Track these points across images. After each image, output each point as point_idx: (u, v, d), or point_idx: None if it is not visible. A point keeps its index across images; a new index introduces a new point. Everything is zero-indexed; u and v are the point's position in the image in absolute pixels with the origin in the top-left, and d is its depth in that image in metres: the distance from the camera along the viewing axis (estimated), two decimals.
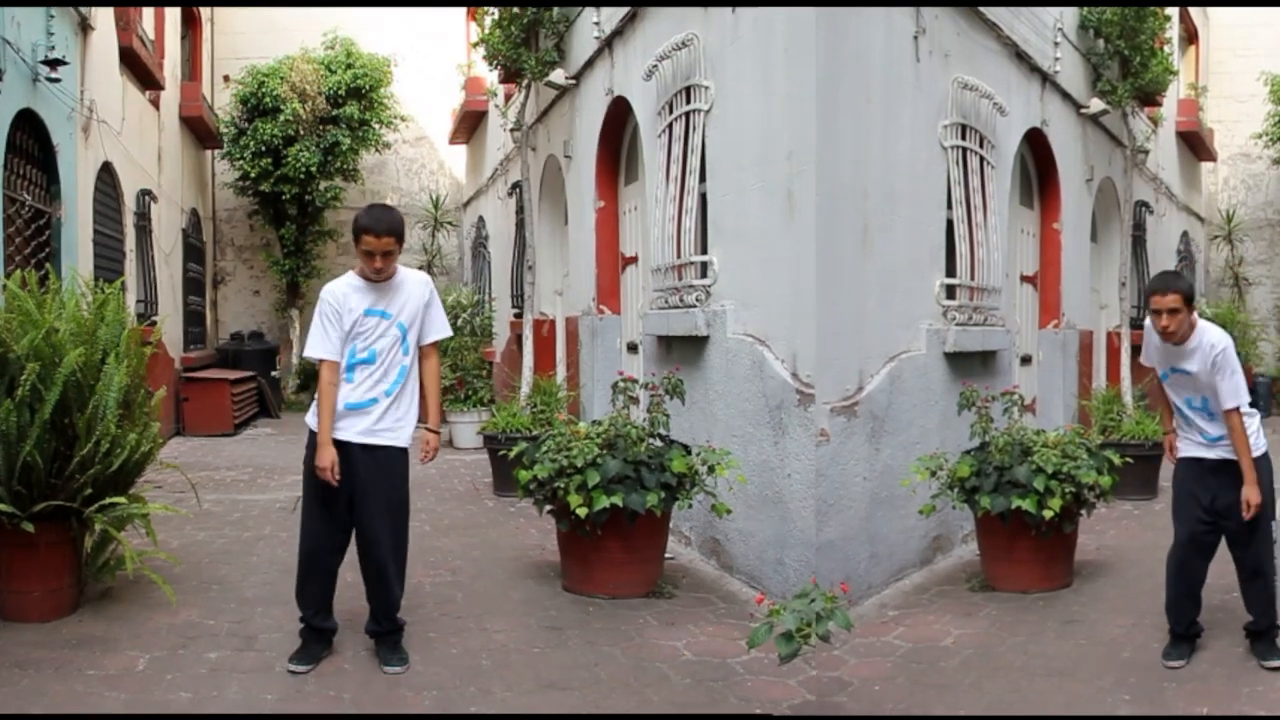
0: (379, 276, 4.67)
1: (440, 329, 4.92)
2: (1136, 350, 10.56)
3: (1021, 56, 8.15)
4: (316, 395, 4.73)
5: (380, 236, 4.57)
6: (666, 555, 6.16)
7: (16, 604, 5.34)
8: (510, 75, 9.89)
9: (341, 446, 4.64)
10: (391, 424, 4.74)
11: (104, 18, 10.24)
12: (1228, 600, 5.63)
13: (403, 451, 4.80)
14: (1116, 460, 6.37)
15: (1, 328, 5.42)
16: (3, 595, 5.37)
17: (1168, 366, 5.06)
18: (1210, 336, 4.89)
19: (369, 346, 4.69)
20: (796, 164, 5.63)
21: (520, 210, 10.53)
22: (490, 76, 11.98)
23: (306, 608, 4.82)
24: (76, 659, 4.83)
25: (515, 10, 9.29)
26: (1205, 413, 5.00)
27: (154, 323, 11.29)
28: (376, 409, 4.69)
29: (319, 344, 4.67)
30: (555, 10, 9.31)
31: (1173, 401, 5.15)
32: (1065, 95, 9.15)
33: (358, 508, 4.73)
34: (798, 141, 5.65)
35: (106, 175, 10.77)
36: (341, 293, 4.69)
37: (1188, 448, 5.14)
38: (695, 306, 6.60)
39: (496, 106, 11.39)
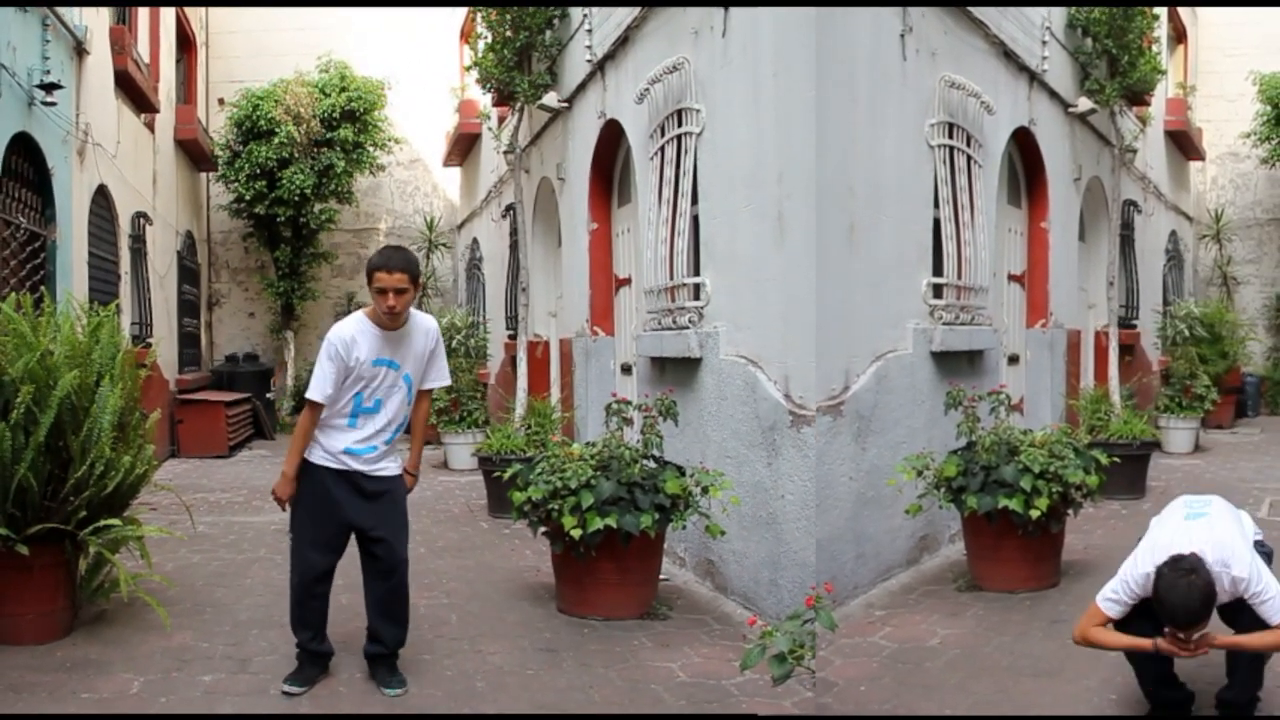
0: (392, 317, 4.59)
1: (440, 376, 4.91)
2: (1125, 349, 10.66)
3: (1009, 55, 8.22)
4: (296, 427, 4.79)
5: (392, 272, 4.53)
6: (661, 577, 6.17)
7: (10, 627, 5.33)
8: (503, 98, 9.95)
9: (345, 475, 4.69)
10: (387, 463, 4.80)
11: (99, 41, 10.29)
12: None
13: (398, 478, 4.87)
14: (1104, 460, 6.42)
15: None
16: None
17: None
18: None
19: (375, 396, 4.68)
20: (787, 186, 5.67)
21: (514, 232, 10.58)
22: (484, 99, 12.04)
23: (303, 633, 4.82)
24: (70, 682, 4.82)
25: (508, 34, 9.35)
26: None
27: (149, 345, 11.30)
28: (374, 455, 4.73)
29: (316, 386, 4.63)
30: (548, 34, 9.38)
31: None
32: (1053, 94, 9.22)
33: (375, 535, 4.74)
34: (788, 164, 5.69)
35: (101, 198, 10.80)
36: (350, 337, 4.61)
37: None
38: (688, 328, 6.63)
39: (490, 129, 11.45)
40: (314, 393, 4.63)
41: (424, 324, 4.82)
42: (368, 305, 4.72)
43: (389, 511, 4.76)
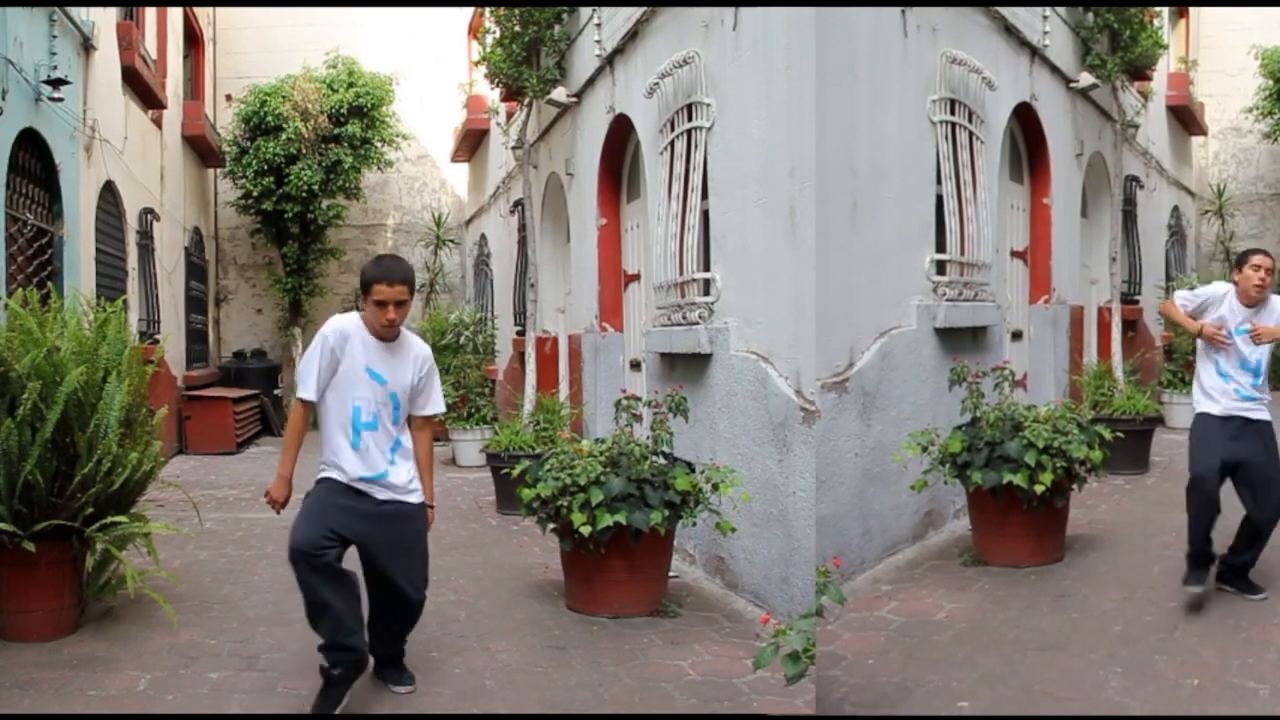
0: (390, 329, 4.43)
1: (435, 404, 4.67)
2: (1128, 325, 10.62)
3: (1010, 30, 8.17)
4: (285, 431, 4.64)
5: (394, 284, 4.35)
6: (671, 574, 6.13)
7: (17, 624, 5.31)
8: (512, 93, 9.90)
9: (362, 494, 4.47)
10: (410, 485, 4.57)
11: (107, 37, 10.26)
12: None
13: (421, 506, 4.64)
14: (1107, 435, 6.44)
15: (3, 346, 5.41)
16: (3, 615, 5.34)
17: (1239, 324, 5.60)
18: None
19: (373, 412, 4.47)
20: (799, 181, 5.63)
21: (522, 228, 10.54)
22: (492, 95, 12.00)
23: (319, 626, 4.40)
24: (77, 679, 4.81)
25: (517, 28, 9.31)
26: (1255, 370, 5.62)
27: (156, 341, 11.28)
28: (392, 474, 4.51)
29: (306, 380, 4.49)
30: (557, 29, 9.33)
31: (1219, 366, 5.64)
32: (1055, 69, 9.17)
33: (389, 561, 4.52)
34: (800, 158, 5.64)
35: (109, 194, 10.78)
36: (346, 334, 4.46)
37: (1214, 405, 5.63)
38: (698, 324, 6.59)
39: (498, 124, 11.41)
40: (301, 386, 4.51)
41: (416, 348, 4.61)
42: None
43: (404, 542, 4.52)
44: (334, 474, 4.50)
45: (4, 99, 7.57)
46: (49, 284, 8.41)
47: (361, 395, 4.46)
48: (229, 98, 16.45)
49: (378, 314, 4.40)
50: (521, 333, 10.89)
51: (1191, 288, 6.25)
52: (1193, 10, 16.42)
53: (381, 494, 4.50)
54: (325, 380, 4.47)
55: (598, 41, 8.49)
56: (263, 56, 16.43)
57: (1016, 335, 8.99)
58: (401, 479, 4.54)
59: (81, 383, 5.41)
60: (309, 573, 4.33)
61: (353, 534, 4.44)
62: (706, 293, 6.61)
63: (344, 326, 4.48)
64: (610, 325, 8.71)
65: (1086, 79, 9.55)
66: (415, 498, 4.59)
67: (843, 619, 5.25)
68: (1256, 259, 5.55)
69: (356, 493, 4.47)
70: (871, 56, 6.29)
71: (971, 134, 7.45)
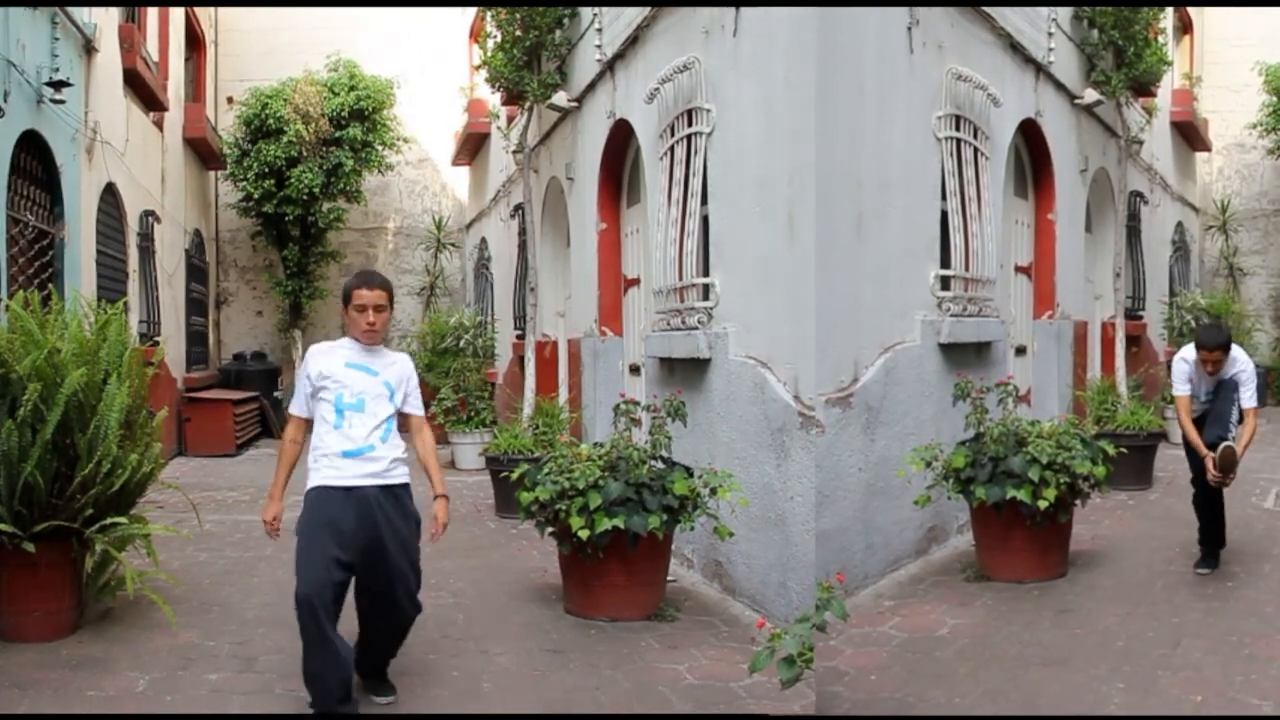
0: (371, 333, 4.55)
1: (419, 407, 4.73)
2: (1131, 340, 10.67)
3: (1015, 47, 8.21)
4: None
5: (372, 288, 4.56)
6: (669, 578, 6.14)
7: (16, 624, 5.33)
8: (512, 98, 9.92)
9: (352, 492, 4.38)
10: (396, 467, 4.49)
11: (108, 40, 10.29)
12: (1223, 589, 5.96)
13: (407, 487, 4.57)
14: (1111, 451, 6.45)
15: (4, 348, 5.43)
16: (3, 616, 5.36)
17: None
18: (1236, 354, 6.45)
19: (357, 395, 4.48)
20: (797, 186, 5.64)
21: (522, 232, 10.56)
22: (493, 99, 12.02)
23: (315, 687, 4.31)
24: (76, 680, 4.82)
25: (518, 33, 9.33)
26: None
27: (156, 343, 11.30)
28: (376, 454, 4.45)
29: (294, 400, 4.69)
30: (558, 33, 9.36)
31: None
32: (1059, 86, 9.20)
33: (383, 553, 4.42)
34: (799, 164, 5.66)
35: (110, 196, 10.80)
36: (325, 349, 4.64)
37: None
38: (697, 329, 6.60)
39: (499, 129, 11.44)
40: (293, 406, 4.70)
41: (398, 356, 4.75)
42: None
43: (401, 528, 4.47)
44: (322, 472, 4.44)
45: (6, 101, 7.60)
46: (50, 285, 8.43)
47: (343, 384, 4.50)
48: (230, 100, 16.47)
49: (358, 319, 4.55)
50: (521, 336, 10.90)
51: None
52: (1197, 26, 16.46)
53: (366, 470, 4.41)
54: (308, 397, 4.59)
55: (598, 46, 8.51)
56: (264, 59, 16.44)
57: (1020, 350, 9.02)
58: (389, 460, 4.46)
59: (82, 384, 5.42)
60: (313, 617, 4.24)
61: (355, 553, 4.36)
62: (706, 298, 6.63)
63: (322, 345, 4.69)
64: (610, 329, 8.72)
65: (1091, 95, 9.58)
66: (407, 478, 4.54)
67: (845, 634, 5.24)
68: (1202, 354, 6.31)
69: (345, 494, 4.39)
70: (878, 71, 6.31)
71: (976, 150, 7.47)
